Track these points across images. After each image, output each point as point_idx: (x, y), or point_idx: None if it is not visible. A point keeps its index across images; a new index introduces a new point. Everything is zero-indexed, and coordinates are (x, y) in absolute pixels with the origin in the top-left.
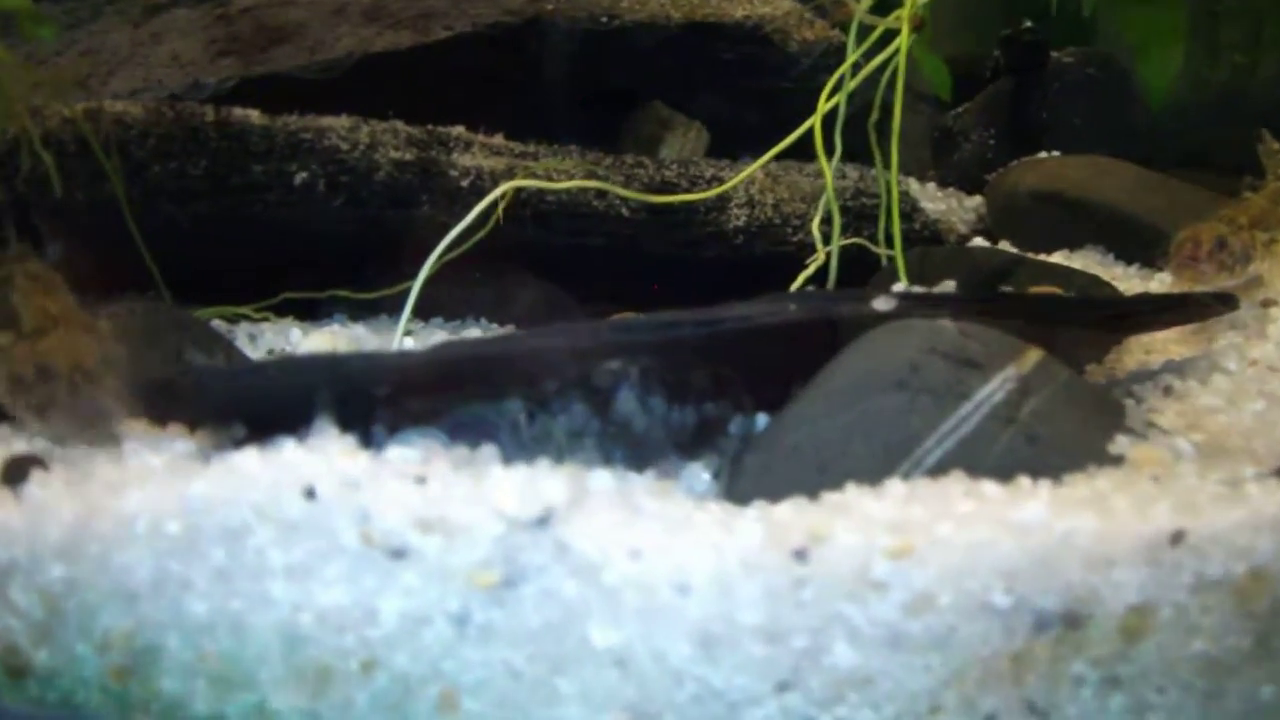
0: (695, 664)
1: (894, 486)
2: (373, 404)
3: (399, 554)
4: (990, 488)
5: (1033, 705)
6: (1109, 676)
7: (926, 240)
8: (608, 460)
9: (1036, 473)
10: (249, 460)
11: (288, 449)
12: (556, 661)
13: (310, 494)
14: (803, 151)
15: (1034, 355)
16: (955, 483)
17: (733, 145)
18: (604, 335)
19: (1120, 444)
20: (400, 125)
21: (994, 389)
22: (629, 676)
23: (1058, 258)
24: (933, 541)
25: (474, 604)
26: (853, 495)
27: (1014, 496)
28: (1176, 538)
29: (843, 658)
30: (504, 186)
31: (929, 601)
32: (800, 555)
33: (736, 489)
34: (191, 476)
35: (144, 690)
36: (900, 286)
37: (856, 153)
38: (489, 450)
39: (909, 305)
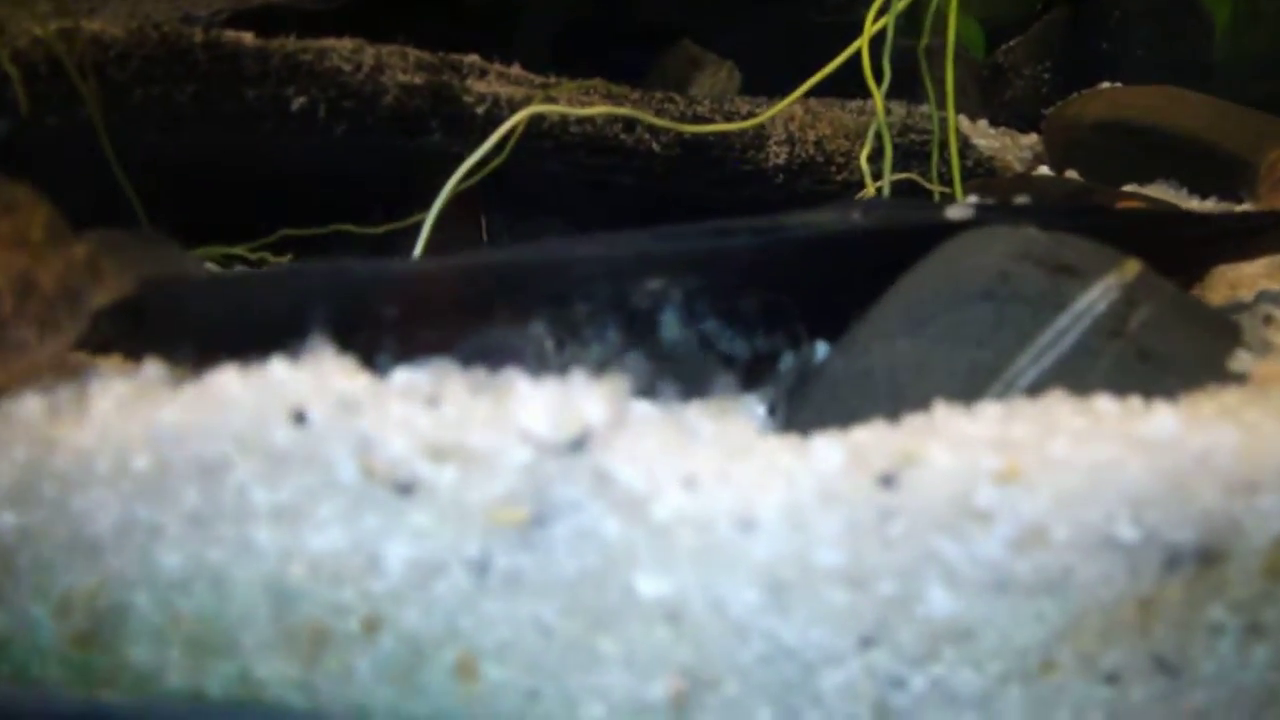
0: (762, 616)
1: (989, 408)
2: (378, 323)
3: (406, 489)
4: (1104, 403)
5: (1162, 661)
6: (1252, 624)
7: (983, 177)
8: (648, 393)
9: (1150, 392)
10: (229, 382)
11: (274, 368)
12: (596, 616)
13: (300, 418)
14: (843, 89)
15: (1135, 265)
16: (1059, 400)
17: (766, 86)
18: (647, 244)
19: (1242, 360)
20: (410, 49)
21: (1096, 297)
22: (683, 633)
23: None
24: (1045, 462)
25: (496, 547)
26: (941, 416)
27: (1133, 412)
28: None
29: (938, 605)
30: (524, 111)
31: (1040, 536)
32: (887, 481)
33: (798, 422)
34: (161, 403)
35: (110, 659)
36: (974, 198)
37: (899, 94)
38: (512, 374)
39: (988, 214)
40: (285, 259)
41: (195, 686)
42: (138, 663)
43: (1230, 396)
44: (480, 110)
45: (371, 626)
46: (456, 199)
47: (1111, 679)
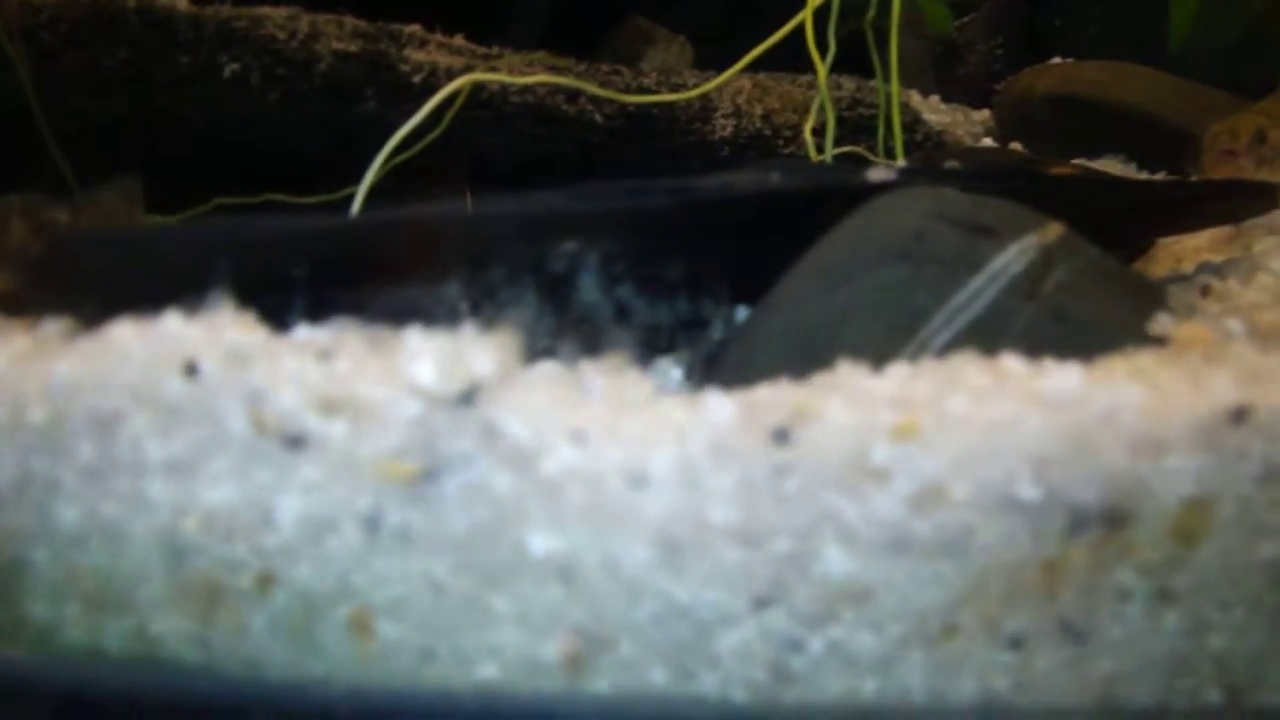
0: (656, 574)
1: (896, 367)
2: (288, 282)
3: (296, 442)
4: (1011, 362)
5: (1068, 625)
6: (1160, 589)
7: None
8: (557, 355)
9: (1064, 354)
10: (124, 334)
11: (168, 321)
12: (488, 573)
13: (191, 370)
14: (797, 65)
15: (1057, 227)
16: (967, 359)
17: (719, 62)
18: (560, 204)
19: (1161, 323)
20: (347, 18)
21: (1012, 258)
22: (576, 591)
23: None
24: (943, 419)
25: (387, 503)
26: (845, 373)
27: (1040, 371)
28: (1239, 415)
29: (835, 565)
30: (461, 80)
31: (940, 494)
32: (781, 436)
33: (714, 383)
34: (58, 357)
35: (9, 615)
36: (900, 163)
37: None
38: (414, 328)
39: (910, 177)
40: None
41: (93, 642)
42: (37, 619)
43: (1146, 358)
44: (417, 79)
45: (264, 583)
46: (403, 174)
47: (1016, 644)
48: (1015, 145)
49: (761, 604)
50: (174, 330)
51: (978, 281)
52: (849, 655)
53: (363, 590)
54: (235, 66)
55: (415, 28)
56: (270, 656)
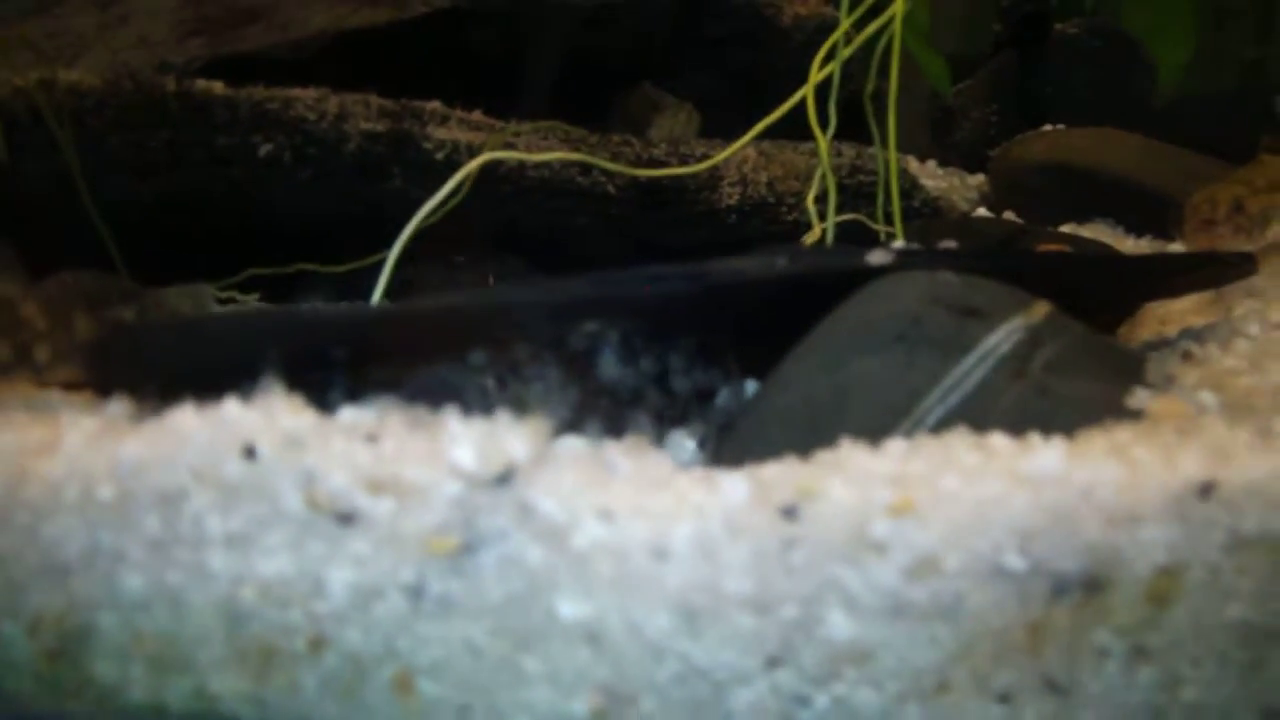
0: (676, 638)
1: (893, 444)
2: (330, 363)
3: (347, 518)
4: (998, 440)
5: (1052, 681)
6: (1136, 647)
7: (927, 218)
8: (580, 429)
9: (1049, 428)
10: (186, 418)
11: (228, 406)
12: (521, 637)
13: (250, 453)
14: (798, 133)
15: (1043, 307)
16: (959, 437)
17: (724, 129)
18: (580, 289)
19: (1139, 397)
20: (372, 97)
21: (1000, 339)
22: (602, 653)
23: (1065, 231)
24: (936, 496)
25: (430, 574)
26: (847, 452)
27: (1025, 449)
28: (1206, 490)
29: (838, 629)
30: (482, 157)
31: (934, 565)
32: (789, 513)
33: (723, 457)
34: (125, 437)
35: (76, 675)
36: (898, 244)
37: (852, 136)
38: (452, 411)
39: (907, 259)
40: (253, 298)
41: (156, 700)
42: (103, 678)
43: (1123, 433)
44: (440, 156)
45: (316, 646)
46: (426, 243)
47: (1004, 698)
48: (1009, 214)
49: (772, 664)
50: (233, 415)
51: (968, 361)
52: (852, 710)
53: (406, 652)
54: (269, 146)
55: (435, 104)
56: (320, 713)
